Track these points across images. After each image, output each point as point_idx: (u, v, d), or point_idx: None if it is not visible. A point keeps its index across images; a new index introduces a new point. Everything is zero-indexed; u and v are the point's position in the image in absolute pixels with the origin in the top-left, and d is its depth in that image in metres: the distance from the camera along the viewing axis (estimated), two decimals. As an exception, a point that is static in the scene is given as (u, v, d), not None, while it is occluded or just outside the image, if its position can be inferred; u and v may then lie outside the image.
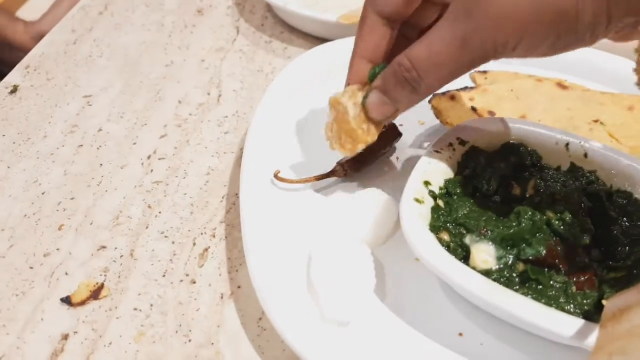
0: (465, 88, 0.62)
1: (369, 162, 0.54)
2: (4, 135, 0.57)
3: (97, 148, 0.57)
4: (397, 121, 0.53)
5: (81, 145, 0.57)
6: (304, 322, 0.40)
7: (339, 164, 0.52)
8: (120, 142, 0.58)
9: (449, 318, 0.42)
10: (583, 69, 0.68)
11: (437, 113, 0.59)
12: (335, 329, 0.41)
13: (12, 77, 0.66)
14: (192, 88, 0.66)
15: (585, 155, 0.48)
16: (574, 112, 0.60)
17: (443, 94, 0.61)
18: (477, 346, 0.41)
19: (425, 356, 0.40)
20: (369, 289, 0.43)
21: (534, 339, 0.41)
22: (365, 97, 0.42)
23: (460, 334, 0.41)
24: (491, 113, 0.59)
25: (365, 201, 0.50)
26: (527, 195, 0.45)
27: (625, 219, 0.45)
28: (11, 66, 0.69)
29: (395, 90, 0.40)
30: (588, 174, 0.47)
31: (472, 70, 0.65)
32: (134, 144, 0.58)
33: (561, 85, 0.63)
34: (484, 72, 0.65)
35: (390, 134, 0.57)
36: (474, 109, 0.60)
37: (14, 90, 0.64)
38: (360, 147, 0.45)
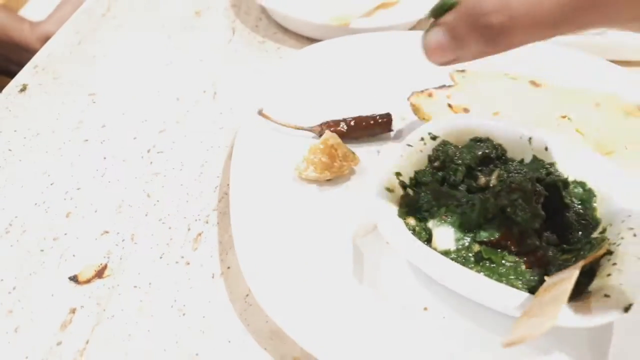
0: (443, 86, 0.67)
1: (347, 136, 0.60)
2: (15, 131, 0.62)
3: (101, 142, 0.62)
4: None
5: (86, 140, 0.62)
6: (285, 298, 0.45)
7: (322, 125, 0.59)
8: (122, 137, 0.63)
9: (416, 295, 0.47)
10: (556, 68, 0.72)
11: (415, 110, 0.63)
12: (313, 306, 0.46)
13: (22, 76, 0.71)
14: (189, 86, 0.71)
15: (546, 148, 0.52)
16: (544, 109, 0.65)
17: (421, 91, 0.65)
18: (440, 319, 0.46)
19: (394, 328, 0.45)
20: (344, 272, 0.48)
21: (490, 313, 0.45)
22: (426, 32, 0.36)
23: (425, 309, 0.46)
24: (466, 110, 0.64)
25: (349, 195, 0.55)
26: (491, 185, 0.50)
27: (580, 206, 0.50)
28: (18, 65, 0.74)
29: (467, 35, 0.33)
30: (548, 166, 0.52)
31: (451, 69, 0.70)
32: (135, 138, 0.63)
33: (534, 84, 0.68)
34: (462, 71, 0.69)
35: (381, 127, 0.62)
36: (450, 106, 0.64)
37: (24, 89, 0.69)
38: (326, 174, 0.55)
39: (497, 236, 0.43)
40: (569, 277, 0.36)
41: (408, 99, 0.63)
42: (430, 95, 0.65)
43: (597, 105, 0.64)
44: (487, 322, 0.45)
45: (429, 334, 0.45)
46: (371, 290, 0.47)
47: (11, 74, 0.73)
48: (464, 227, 0.44)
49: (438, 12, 0.35)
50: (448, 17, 0.34)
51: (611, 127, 0.62)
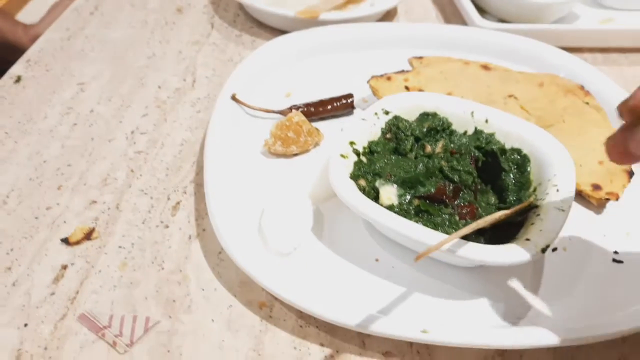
0: (402, 71, 0.73)
1: (313, 116, 0.67)
2: (11, 117, 0.68)
3: (89, 126, 0.68)
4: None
5: (75, 124, 0.68)
6: (253, 253, 0.51)
7: (290, 107, 0.66)
8: (109, 121, 0.69)
9: (368, 248, 0.53)
10: (506, 53, 0.79)
11: (374, 91, 0.69)
12: (278, 259, 0.52)
13: (16, 69, 0.77)
14: (171, 75, 0.77)
15: (487, 120, 0.59)
16: (493, 89, 0.71)
17: (381, 75, 0.71)
18: (390, 269, 0.52)
19: (348, 277, 0.51)
20: (306, 230, 0.54)
21: (432, 262, 0.52)
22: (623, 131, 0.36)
23: (377, 260, 0.52)
24: (421, 91, 0.70)
25: (312, 165, 0.61)
26: (435, 153, 0.56)
27: (516, 170, 0.56)
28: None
29: None
30: (488, 136, 0.58)
31: (410, 56, 0.76)
32: (120, 122, 0.69)
33: (485, 67, 0.74)
34: (420, 57, 0.76)
35: (344, 106, 0.69)
36: (407, 88, 0.71)
37: (18, 80, 0.75)
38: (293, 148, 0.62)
39: (433, 190, 0.49)
40: (484, 220, 0.43)
41: (368, 82, 0.70)
42: (389, 79, 0.72)
43: (541, 85, 0.71)
44: (430, 270, 0.51)
45: (379, 281, 0.51)
46: (329, 245, 0.53)
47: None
48: (406, 185, 0.51)
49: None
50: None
51: (552, 104, 0.68)
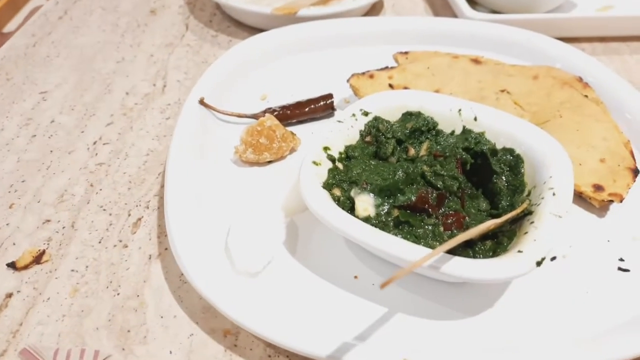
0: (386, 68, 0.68)
1: (290, 119, 0.62)
2: (-36, 130, 0.64)
3: (49, 137, 0.63)
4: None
5: (34, 136, 0.63)
6: (218, 276, 0.46)
7: (265, 111, 0.61)
8: (70, 131, 0.64)
9: (346, 264, 0.48)
10: (498, 45, 0.73)
11: (355, 91, 0.64)
12: (245, 281, 0.46)
13: (-25, 79, 0.72)
14: (140, 81, 0.72)
15: (475, 118, 0.53)
16: (484, 84, 0.66)
17: (362, 73, 0.66)
18: (370, 286, 0.47)
19: (323, 298, 0.46)
20: (274, 247, 0.49)
21: (415, 277, 0.46)
22: None
23: (356, 277, 0.47)
24: (406, 89, 0.65)
25: (286, 173, 0.56)
26: (419, 156, 0.51)
27: (508, 172, 0.51)
28: None
29: None
30: (477, 135, 0.53)
31: (395, 51, 0.71)
32: (82, 132, 0.64)
33: (476, 61, 0.69)
34: (406, 53, 0.71)
35: (324, 107, 0.64)
36: (391, 86, 0.66)
37: (-24, 90, 0.70)
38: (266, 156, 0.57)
39: (413, 199, 0.44)
40: (471, 232, 0.37)
41: (348, 80, 0.65)
42: (371, 76, 0.66)
43: (535, 77, 0.66)
44: (414, 286, 0.46)
45: (358, 301, 0.46)
46: (303, 262, 0.48)
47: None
48: (383, 193, 0.45)
49: None
50: None
51: (548, 98, 0.63)
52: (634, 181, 0.53)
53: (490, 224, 0.41)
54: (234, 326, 0.45)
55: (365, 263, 0.48)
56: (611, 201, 0.52)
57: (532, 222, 0.43)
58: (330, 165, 0.49)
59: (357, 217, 0.45)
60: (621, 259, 0.49)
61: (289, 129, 0.61)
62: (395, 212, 0.44)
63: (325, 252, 0.49)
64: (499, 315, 0.44)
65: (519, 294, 0.46)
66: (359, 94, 0.64)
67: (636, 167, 0.55)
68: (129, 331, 0.44)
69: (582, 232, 0.51)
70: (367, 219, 0.44)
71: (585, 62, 0.68)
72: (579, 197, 0.54)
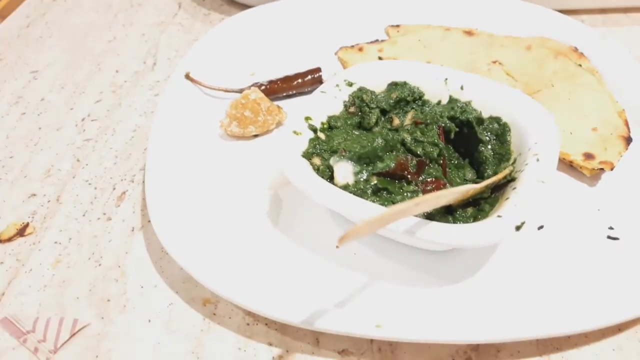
0: (376, 41, 0.67)
1: (278, 93, 0.61)
2: (-45, 109, 0.64)
3: (38, 115, 0.63)
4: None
5: (24, 114, 0.63)
6: (199, 248, 0.45)
7: (251, 86, 0.60)
8: (59, 109, 0.64)
9: (329, 234, 0.47)
10: (491, 17, 0.72)
11: (343, 64, 0.63)
12: (228, 253, 0.46)
13: (-32, 60, 0.73)
14: (130, 59, 0.72)
15: (462, 87, 0.52)
16: (477, 56, 0.64)
17: (351, 46, 0.65)
18: (351, 255, 0.46)
19: (304, 267, 0.45)
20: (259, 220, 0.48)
21: (396, 247, 0.46)
22: None
23: (337, 247, 0.46)
24: (394, 60, 0.64)
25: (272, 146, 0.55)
26: (403, 125, 0.50)
27: (495, 141, 0.50)
28: None
29: None
30: (463, 104, 0.51)
31: (387, 25, 0.70)
32: (71, 109, 0.64)
33: (469, 33, 0.68)
34: (397, 26, 0.69)
35: (311, 81, 0.63)
36: (380, 59, 0.64)
37: (-31, 71, 0.71)
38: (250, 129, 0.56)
39: (392, 166, 0.43)
40: (444, 192, 0.37)
41: (336, 53, 0.64)
42: (360, 49, 0.65)
43: (528, 48, 0.64)
44: (395, 254, 0.46)
45: (339, 270, 0.45)
46: (285, 233, 0.48)
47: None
48: (362, 161, 0.45)
49: None
50: None
51: (540, 68, 0.61)
52: (627, 149, 0.52)
53: (468, 187, 0.40)
54: (213, 295, 0.44)
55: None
56: (602, 170, 0.51)
57: (514, 188, 0.43)
58: (311, 135, 0.49)
59: (336, 185, 0.44)
60: (611, 228, 0.48)
61: (278, 103, 0.60)
62: (374, 180, 0.44)
63: (308, 223, 0.49)
64: (483, 284, 0.44)
65: (503, 262, 0.45)
66: (346, 66, 0.63)
67: (629, 136, 0.53)
68: (108, 300, 0.44)
69: (572, 201, 0.50)
70: (345, 187, 0.44)
71: (582, 32, 0.66)
72: (570, 166, 0.53)
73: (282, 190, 0.52)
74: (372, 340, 0.41)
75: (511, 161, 0.47)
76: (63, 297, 0.44)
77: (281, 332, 0.42)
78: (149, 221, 0.51)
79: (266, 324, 0.43)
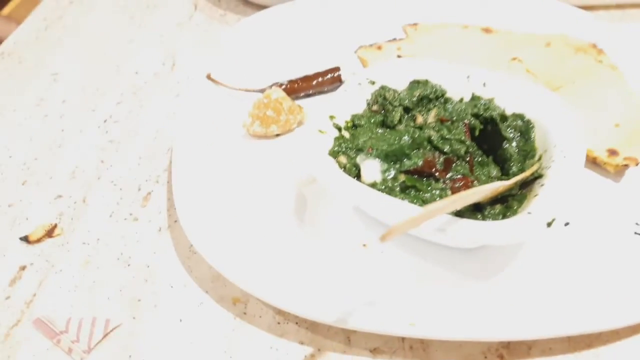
0: (394, 39, 0.67)
1: (298, 92, 0.61)
2: (-21, 112, 0.65)
3: (60, 117, 0.64)
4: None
5: (46, 116, 0.64)
6: (227, 245, 0.46)
7: (272, 86, 0.60)
8: (81, 111, 0.64)
9: (355, 233, 0.48)
10: (510, 14, 0.71)
11: (363, 62, 0.64)
12: (255, 250, 0.46)
13: (-12, 63, 0.73)
14: (149, 60, 0.72)
15: (484, 84, 0.52)
16: (496, 53, 0.65)
17: (370, 45, 0.65)
18: (379, 254, 0.46)
19: (332, 266, 0.45)
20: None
21: (424, 244, 0.46)
22: None
23: (364, 245, 0.47)
24: (413, 58, 0.64)
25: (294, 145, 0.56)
26: (427, 123, 0.50)
27: (519, 137, 0.50)
28: None
29: None
30: (486, 102, 0.51)
31: (403, 23, 0.70)
32: (93, 111, 0.64)
33: (487, 31, 0.68)
34: (415, 24, 0.69)
35: (331, 80, 0.63)
36: (399, 57, 0.65)
37: (-11, 74, 0.71)
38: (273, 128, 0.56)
39: (420, 163, 0.43)
40: (476, 190, 0.37)
41: (355, 52, 0.64)
42: (379, 48, 0.65)
43: (548, 44, 0.64)
44: (423, 253, 0.46)
45: (367, 269, 0.45)
46: (312, 232, 0.48)
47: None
48: (389, 159, 0.45)
49: None
50: None
51: (561, 65, 0.61)
52: (651, 145, 0.52)
53: (498, 185, 0.40)
54: (243, 294, 0.45)
55: (373, 231, 0.48)
56: (627, 166, 0.51)
57: (542, 185, 0.43)
58: (336, 133, 0.49)
59: (363, 182, 0.44)
60: (637, 223, 0.48)
61: (297, 102, 0.60)
62: (402, 177, 0.44)
63: (334, 221, 0.49)
64: (510, 282, 0.44)
65: (532, 259, 0.45)
66: (366, 65, 0.63)
67: (653, 131, 0.53)
68: (139, 300, 0.45)
69: (597, 198, 0.50)
70: (373, 185, 0.44)
71: (600, 28, 0.66)
72: (594, 163, 0.53)
73: (306, 189, 0.52)
74: (403, 339, 0.41)
75: (536, 158, 0.47)
76: (94, 298, 0.45)
77: (312, 331, 0.42)
78: (176, 221, 0.51)
79: (296, 323, 0.43)
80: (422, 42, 0.66)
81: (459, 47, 0.66)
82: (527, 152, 0.48)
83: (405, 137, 0.45)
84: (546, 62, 0.62)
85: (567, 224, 0.48)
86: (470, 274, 0.44)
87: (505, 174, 0.48)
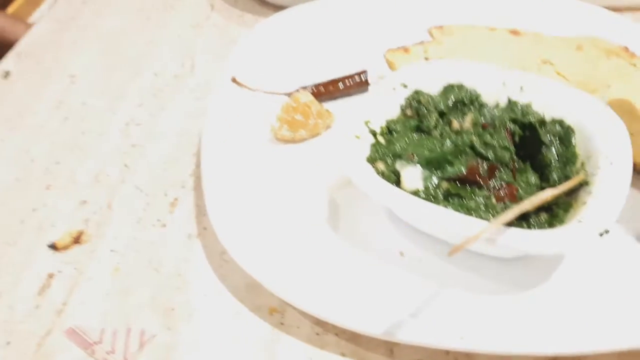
0: (421, 42, 0.66)
1: (324, 96, 0.60)
2: (-3, 114, 0.63)
3: (81, 120, 0.62)
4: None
5: (66, 118, 0.63)
6: (261, 252, 0.45)
7: (298, 89, 0.59)
8: (101, 113, 0.63)
9: (391, 240, 0.46)
10: (537, 16, 0.70)
11: (390, 65, 0.62)
12: (289, 257, 0.45)
13: (4, 64, 0.72)
14: (168, 62, 0.71)
15: (521, 88, 0.51)
16: (525, 55, 0.63)
17: (397, 48, 0.64)
18: (417, 263, 0.45)
19: (369, 274, 0.44)
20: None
21: (464, 254, 0.45)
22: None
23: (401, 253, 0.46)
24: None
25: (322, 150, 0.54)
26: (464, 129, 0.49)
27: (558, 143, 0.49)
28: None
29: None
30: (523, 106, 0.50)
31: (429, 25, 0.69)
32: (114, 114, 0.63)
33: (514, 33, 0.66)
34: (441, 26, 0.68)
35: (358, 84, 0.62)
36: (426, 60, 0.63)
37: (6, 75, 0.70)
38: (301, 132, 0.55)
39: (464, 171, 0.42)
40: (533, 200, 0.36)
41: (384, 55, 0.63)
42: (406, 51, 0.64)
43: (579, 48, 0.63)
44: (462, 262, 0.45)
45: (405, 278, 0.44)
46: (346, 239, 0.47)
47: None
48: (431, 165, 0.44)
49: None
50: None
51: (593, 68, 0.60)
52: (691, 151, 0.51)
53: (548, 193, 0.39)
54: (279, 304, 0.44)
55: (409, 239, 0.47)
56: (666, 172, 0.50)
57: (591, 193, 0.42)
58: (371, 139, 0.48)
59: (404, 190, 0.43)
60: (680, 231, 0.47)
61: (323, 105, 0.59)
62: (445, 185, 0.43)
63: (369, 228, 0.48)
64: (555, 293, 0.43)
65: (573, 269, 0.44)
66: (393, 68, 0.62)
67: (693, 137, 0.52)
68: (173, 309, 0.43)
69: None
70: (415, 192, 0.43)
71: (632, 31, 0.65)
72: (633, 170, 0.52)
73: (338, 194, 0.51)
74: (448, 352, 0.40)
75: (578, 164, 0.46)
76: (126, 306, 0.44)
77: (353, 343, 0.41)
78: (205, 228, 0.50)
79: (336, 334, 0.42)
80: (449, 44, 0.65)
81: (487, 49, 0.64)
82: (568, 158, 0.47)
83: (447, 143, 0.44)
84: (578, 66, 0.61)
85: (607, 231, 0.47)
86: (512, 284, 0.43)
87: (544, 180, 0.47)
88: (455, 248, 0.30)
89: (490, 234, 0.37)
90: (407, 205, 0.41)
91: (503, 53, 0.64)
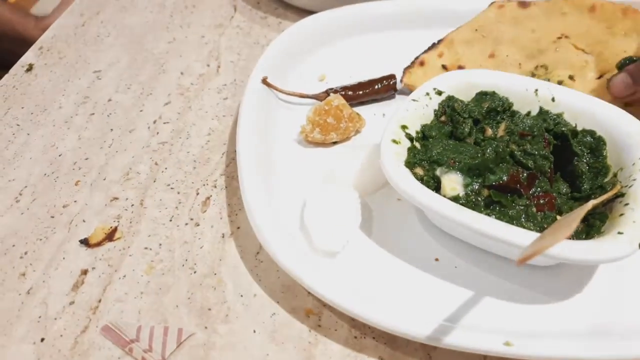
0: (433, 45, 0.65)
1: (352, 100, 0.60)
2: (22, 107, 0.63)
3: (108, 115, 0.62)
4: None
5: (93, 114, 0.62)
6: (296, 253, 0.45)
7: (327, 91, 0.59)
8: (128, 110, 0.63)
9: (425, 246, 0.47)
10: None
11: (411, 89, 0.61)
12: (324, 260, 0.45)
13: (27, 57, 0.72)
14: (193, 61, 0.71)
15: (553, 99, 0.52)
16: (539, 33, 0.62)
17: (411, 63, 0.63)
18: (452, 269, 0.45)
19: (405, 279, 0.45)
20: (354, 226, 0.47)
21: (499, 260, 0.45)
22: (612, 76, 0.55)
23: (437, 259, 0.46)
24: (460, 67, 0.63)
25: (355, 153, 0.54)
26: (498, 137, 0.50)
27: (589, 154, 0.49)
28: None
29: None
30: (555, 116, 0.51)
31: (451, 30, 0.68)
32: (141, 111, 0.63)
33: (523, 4, 0.64)
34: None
35: (386, 88, 0.62)
36: (444, 67, 0.63)
37: (30, 68, 0.69)
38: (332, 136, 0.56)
39: (505, 179, 0.43)
40: (578, 213, 0.36)
41: (401, 80, 0.62)
42: (422, 63, 0.64)
43: (592, 10, 0.61)
44: (496, 269, 0.45)
45: (441, 284, 0.44)
46: (381, 243, 0.47)
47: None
48: (472, 172, 0.44)
49: (622, 65, 0.56)
50: (631, 67, 0.55)
51: (610, 32, 0.59)
52: None
53: (590, 205, 0.40)
54: (315, 306, 0.44)
55: (444, 245, 0.47)
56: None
57: (627, 204, 0.42)
58: (408, 144, 0.48)
59: (444, 196, 0.43)
60: None
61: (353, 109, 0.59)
62: (485, 192, 0.43)
63: (403, 233, 0.48)
64: (593, 300, 0.43)
65: (609, 278, 0.44)
66: (414, 89, 0.61)
67: None
68: (209, 309, 0.43)
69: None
70: (455, 199, 0.43)
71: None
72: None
73: (370, 198, 0.51)
74: (485, 357, 0.40)
75: (609, 176, 0.47)
76: (162, 305, 0.43)
77: (390, 347, 0.41)
78: (239, 228, 0.50)
79: (373, 338, 0.42)
80: (461, 38, 0.64)
81: (499, 34, 0.62)
82: (599, 169, 0.48)
83: (489, 151, 0.45)
84: (594, 32, 0.59)
85: None
86: (547, 291, 0.44)
87: (575, 190, 0.48)
88: (525, 257, 0.30)
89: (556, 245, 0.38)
90: (451, 212, 0.41)
91: (517, 34, 0.61)
